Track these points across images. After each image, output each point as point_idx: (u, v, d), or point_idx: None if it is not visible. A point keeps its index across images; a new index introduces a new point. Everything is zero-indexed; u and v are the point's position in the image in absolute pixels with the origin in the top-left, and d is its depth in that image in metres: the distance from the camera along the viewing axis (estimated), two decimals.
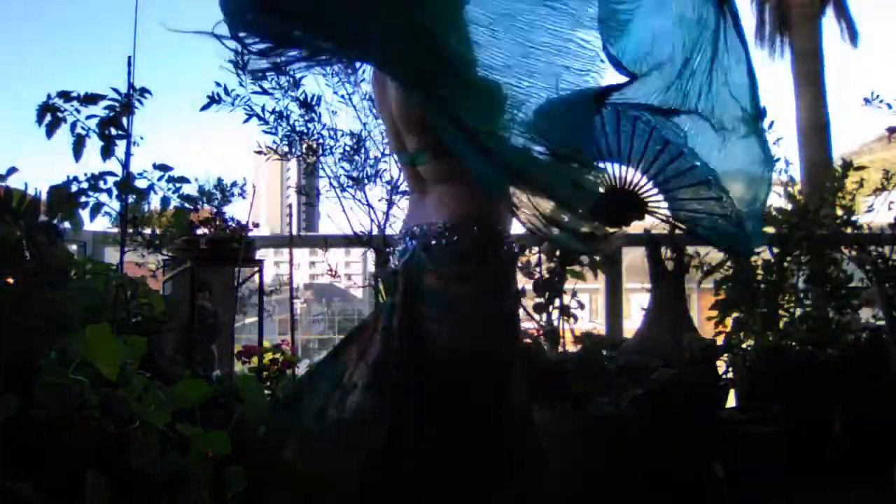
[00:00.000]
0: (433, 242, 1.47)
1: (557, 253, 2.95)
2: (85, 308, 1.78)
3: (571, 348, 2.88)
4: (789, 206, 3.24)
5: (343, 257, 4.22)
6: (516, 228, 1.61)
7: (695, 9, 1.49)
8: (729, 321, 3.12)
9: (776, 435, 2.61)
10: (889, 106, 3.26)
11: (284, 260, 3.50)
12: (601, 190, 1.58)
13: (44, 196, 1.74)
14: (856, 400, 2.92)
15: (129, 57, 2.32)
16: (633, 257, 3.49)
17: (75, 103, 2.01)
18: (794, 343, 3.01)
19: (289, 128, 2.88)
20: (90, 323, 1.58)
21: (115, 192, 2.08)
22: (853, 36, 10.68)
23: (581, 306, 3.01)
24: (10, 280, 1.53)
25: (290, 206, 3.54)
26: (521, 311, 1.74)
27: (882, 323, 2.97)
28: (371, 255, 3.04)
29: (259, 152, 3.02)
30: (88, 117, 2.04)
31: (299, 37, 1.34)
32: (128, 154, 2.16)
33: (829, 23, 10.37)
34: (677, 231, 1.89)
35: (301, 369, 3.23)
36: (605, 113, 1.57)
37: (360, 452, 1.45)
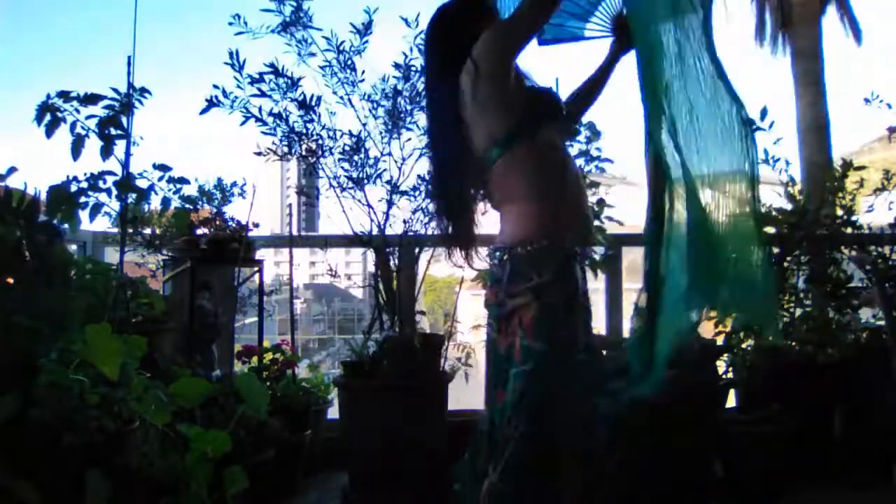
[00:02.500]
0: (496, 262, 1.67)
1: None
2: (85, 308, 1.78)
3: None
4: (789, 206, 3.23)
5: (343, 257, 4.22)
6: None
7: None
8: (729, 321, 3.12)
9: (776, 435, 2.61)
10: (889, 106, 3.26)
11: (284, 260, 3.49)
12: None
13: (44, 196, 1.74)
14: (856, 400, 2.92)
15: (129, 57, 2.33)
16: (633, 257, 3.49)
17: (75, 103, 2.01)
18: (794, 343, 3.01)
19: (287, 129, 2.87)
20: (90, 323, 1.59)
21: (114, 192, 2.08)
22: (857, 34, 10.64)
23: None
24: (10, 280, 1.53)
25: (290, 206, 3.54)
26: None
27: (882, 323, 2.96)
28: (371, 255, 3.03)
29: (258, 153, 3.01)
30: (88, 117, 2.03)
31: None
32: (127, 154, 2.16)
33: (831, 21, 10.35)
34: None
35: (301, 369, 3.23)
36: None
37: None
